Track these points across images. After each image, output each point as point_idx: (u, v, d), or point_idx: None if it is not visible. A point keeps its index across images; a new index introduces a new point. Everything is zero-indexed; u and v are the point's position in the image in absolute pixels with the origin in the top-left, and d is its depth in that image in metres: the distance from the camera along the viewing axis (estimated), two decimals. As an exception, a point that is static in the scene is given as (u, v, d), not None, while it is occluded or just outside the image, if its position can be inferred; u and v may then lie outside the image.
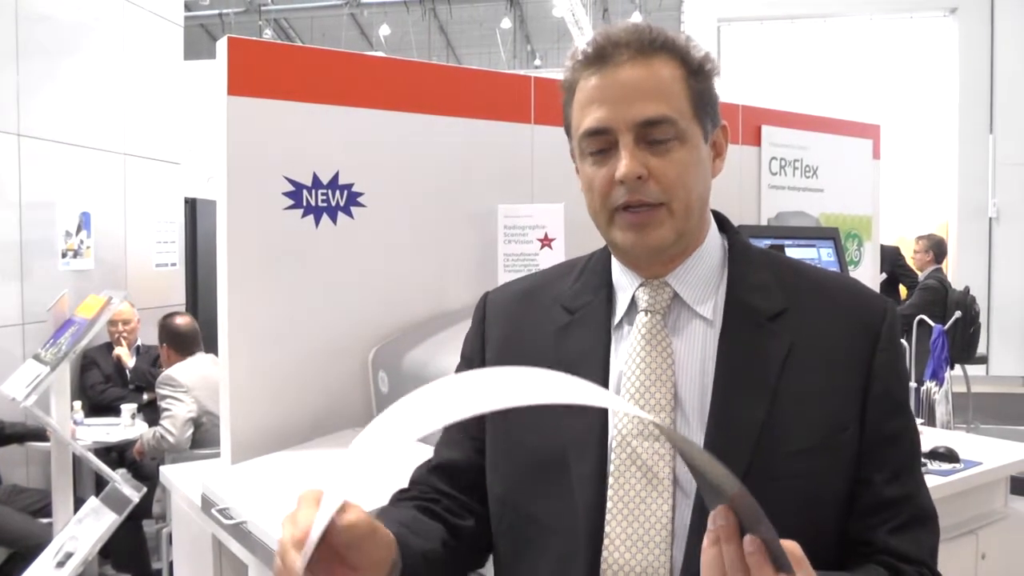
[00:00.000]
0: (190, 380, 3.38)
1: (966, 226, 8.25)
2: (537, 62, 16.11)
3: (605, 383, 0.90)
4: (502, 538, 0.96)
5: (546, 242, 2.07)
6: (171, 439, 3.27)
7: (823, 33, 9.24)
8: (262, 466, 1.74)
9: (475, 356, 1.01)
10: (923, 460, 2.00)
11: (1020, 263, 7.85)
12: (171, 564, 2.61)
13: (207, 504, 1.64)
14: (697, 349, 0.90)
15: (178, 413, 3.31)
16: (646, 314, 0.91)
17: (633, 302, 0.93)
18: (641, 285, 0.93)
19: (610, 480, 0.87)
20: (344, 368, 1.94)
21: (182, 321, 3.72)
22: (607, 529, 0.86)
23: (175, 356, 3.61)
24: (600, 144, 0.89)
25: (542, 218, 2.07)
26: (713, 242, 0.94)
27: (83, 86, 4.70)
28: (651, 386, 0.89)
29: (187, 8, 7.24)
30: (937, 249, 6.27)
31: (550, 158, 2.25)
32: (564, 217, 2.06)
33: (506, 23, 14.02)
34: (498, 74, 2.42)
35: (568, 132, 0.95)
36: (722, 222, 0.98)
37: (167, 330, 3.71)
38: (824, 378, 0.86)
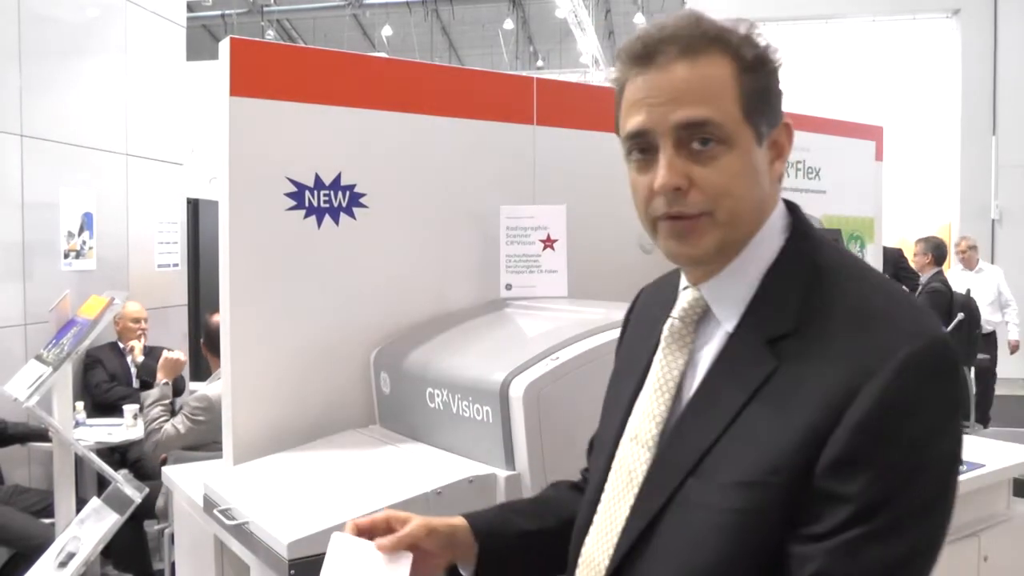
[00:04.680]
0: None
1: (968, 228, 8.24)
2: (539, 63, 16.12)
3: (641, 385, 0.92)
4: None
5: (548, 243, 2.07)
6: (181, 430, 3.16)
7: (825, 35, 9.24)
8: (264, 467, 1.74)
9: (618, 344, 1.09)
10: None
11: (1022, 265, 7.84)
12: (173, 565, 2.61)
13: (209, 505, 1.65)
14: (709, 361, 0.86)
15: (192, 429, 3.16)
16: (676, 320, 0.89)
17: None
18: (685, 289, 0.90)
19: (609, 476, 0.91)
20: (346, 369, 1.94)
21: (217, 321, 3.55)
22: (595, 520, 0.91)
23: (214, 359, 3.30)
24: (642, 147, 0.84)
25: (544, 219, 2.07)
26: (764, 247, 0.85)
27: (86, 87, 4.71)
28: (653, 393, 0.88)
29: (189, 9, 7.24)
30: (937, 252, 6.27)
31: (552, 159, 2.25)
32: (566, 218, 2.06)
33: (508, 24, 14.03)
34: (500, 75, 2.42)
35: (618, 134, 0.90)
36: (794, 219, 0.89)
37: (207, 330, 3.38)
38: (790, 412, 0.76)
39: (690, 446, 0.81)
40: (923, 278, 6.28)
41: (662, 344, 0.89)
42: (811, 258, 0.84)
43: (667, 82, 0.82)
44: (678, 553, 0.79)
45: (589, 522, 0.92)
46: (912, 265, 6.51)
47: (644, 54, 0.84)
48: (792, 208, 0.89)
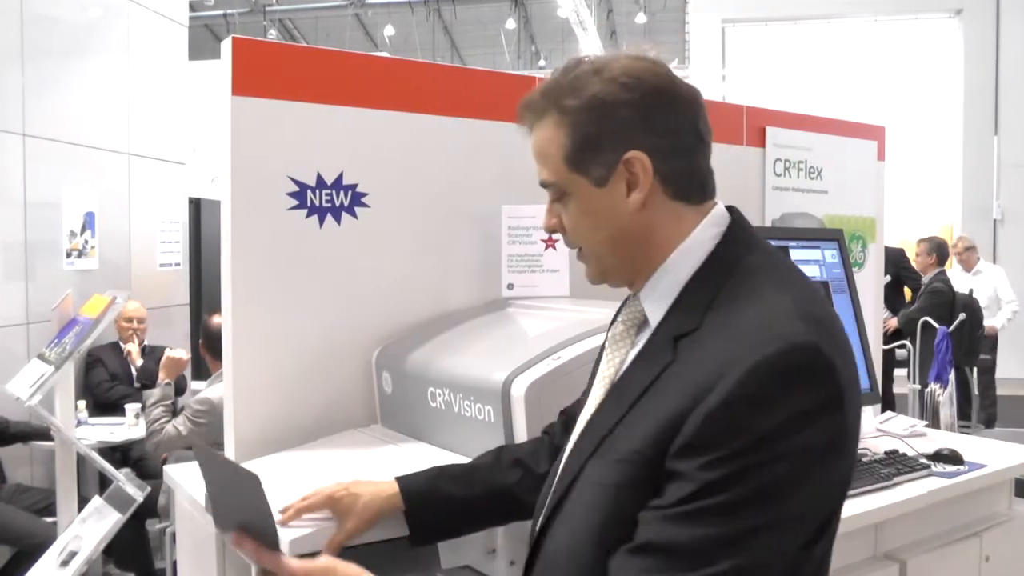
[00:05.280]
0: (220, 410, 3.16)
1: (970, 228, 8.23)
2: (541, 63, 16.11)
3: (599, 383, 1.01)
4: None
5: (550, 243, 2.07)
6: (183, 431, 3.17)
7: (827, 34, 9.23)
8: (265, 466, 1.75)
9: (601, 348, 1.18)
10: (911, 465, 2.00)
11: (1024, 265, 7.83)
12: (175, 563, 2.61)
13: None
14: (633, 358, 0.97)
15: (194, 431, 3.16)
16: (620, 323, 1.00)
17: None
18: (631, 296, 1.01)
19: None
20: (347, 368, 1.94)
21: (218, 322, 3.43)
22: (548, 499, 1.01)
23: (213, 361, 3.33)
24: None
25: (546, 219, 2.07)
26: (691, 255, 0.93)
27: (88, 86, 4.72)
28: (597, 387, 0.99)
29: (192, 8, 7.25)
30: (939, 252, 6.26)
31: (554, 159, 2.25)
32: (568, 218, 2.06)
33: (510, 24, 14.03)
34: (502, 75, 2.42)
35: None
36: (729, 226, 0.95)
37: (206, 332, 3.39)
38: (664, 401, 0.84)
39: (595, 433, 0.92)
40: (925, 278, 6.28)
41: (607, 345, 1.01)
42: (732, 262, 0.92)
43: (532, 147, 0.99)
44: (571, 523, 0.91)
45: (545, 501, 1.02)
46: (914, 265, 6.51)
47: (520, 120, 1.00)
48: (734, 216, 0.97)
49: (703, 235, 0.94)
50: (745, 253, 0.93)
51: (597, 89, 0.92)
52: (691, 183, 0.95)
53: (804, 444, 0.78)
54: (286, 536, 1.34)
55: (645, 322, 0.97)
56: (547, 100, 0.96)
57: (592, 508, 0.87)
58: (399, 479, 1.28)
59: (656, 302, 0.94)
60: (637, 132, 0.92)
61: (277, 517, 1.21)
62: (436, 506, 1.26)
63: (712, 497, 0.77)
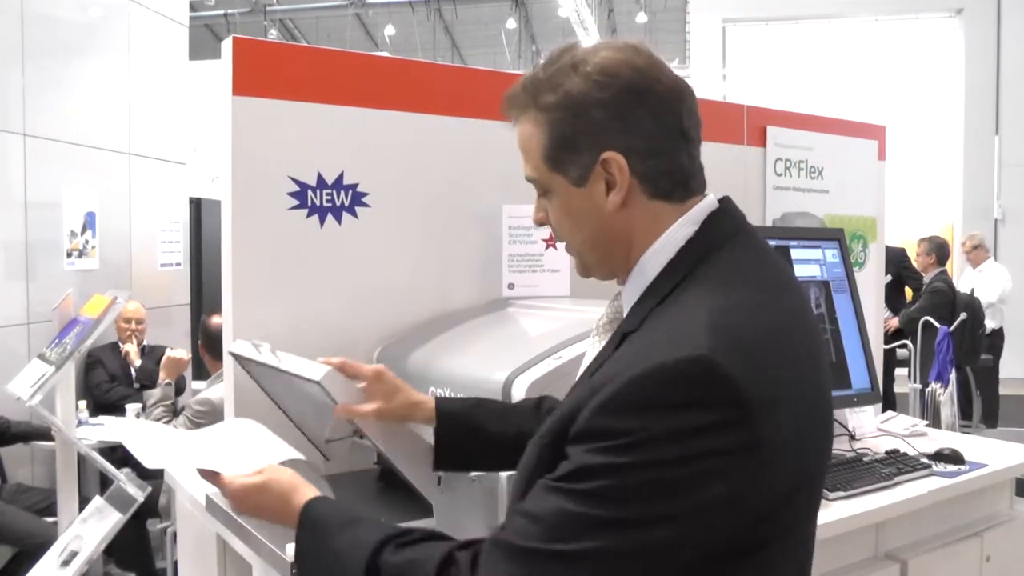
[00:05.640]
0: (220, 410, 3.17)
1: (971, 228, 8.22)
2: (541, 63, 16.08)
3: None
4: None
5: (550, 243, 2.07)
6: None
7: (828, 34, 9.23)
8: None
9: None
10: (912, 464, 2.00)
11: (1025, 265, 7.82)
12: (175, 563, 2.61)
13: (211, 503, 1.65)
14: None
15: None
16: (604, 317, 1.04)
17: None
18: (618, 292, 1.03)
19: None
20: (348, 368, 1.94)
21: (217, 322, 3.27)
22: None
23: (212, 362, 3.34)
24: None
25: (546, 219, 2.07)
26: (661, 255, 0.93)
27: (89, 86, 4.72)
28: (582, 374, 1.02)
29: (192, 8, 7.25)
30: (939, 252, 6.26)
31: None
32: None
33: (511, 23, 14.02)
34: (503, 74, 2.41)
35: None
36: (701, 228, 0.94)
37: (205, 332, 3.39)
38: (579, 392, 0.87)
39: (555, 415, 0.92)
40: (926, 278, 6.27)
41: (592, 336, 1.05)
42: (693, 263, 0.92)
43: (517, 141, 0.99)
44: (512, 493, 0.94)
45: None
46: (915, 265, 6.50)
47: (504, 114, 0.99)
48: (717, 211, 0.95)
49: (676, 234, 0.93)
50: (711, 252, 0.92)
51: (572, 86, 0.91)
52: (672, 181, 0.94)
53: (690, 455, 0.77)
54: (287, 537, 1.34)
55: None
56: (527, 95, 0.95)
57: (515, 482, 0.92)
58: (439, 398, 1.31)
59: (628, 299, 0.96)
60: (612, 132, 0.91)
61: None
62: (465, 433, 1.27)
63: (583, 481, 0.79)
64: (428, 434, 1.31)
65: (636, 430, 0.78)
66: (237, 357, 1.59)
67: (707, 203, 0.96)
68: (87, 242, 4.61)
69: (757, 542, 0.84)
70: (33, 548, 3.09)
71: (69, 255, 4.51)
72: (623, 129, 0.90)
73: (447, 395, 1.67)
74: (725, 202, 0.97)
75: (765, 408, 0.80)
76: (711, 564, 0.82)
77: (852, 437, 2.24)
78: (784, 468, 0.83)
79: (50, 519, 3.31)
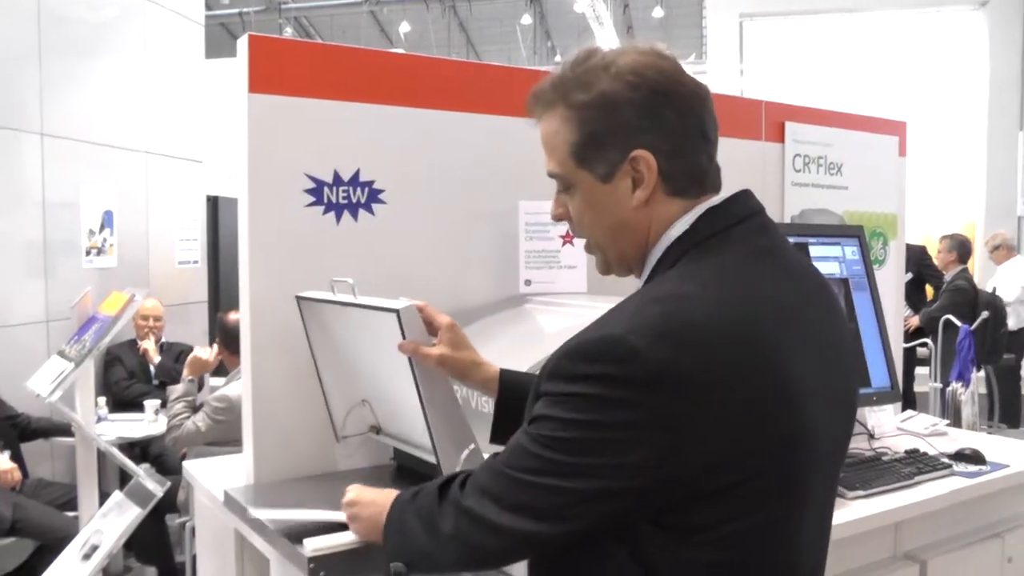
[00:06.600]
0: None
1: (994, 225, 8.11)
2: (557, 58, 16.06)
3: None
4: None
5: (567, 239, 2.06)
6: (202, 428, 3.20)
7: (848, 28, 9.12)
8: (284, 462, 1.75)
9: None
10: (933, 464, 1.98)
11: (1048, 262, 7.70)
12: (194, 557, 2.63)
13: (229, 498, 1.65)
14: None
15: (212, 428, 3.18)
16: None
17: None
18: None
19: None
20: (364, 365, 1.94)
21: (234, 319, 3.33)
22: None
23: (230, 358, 3.38)
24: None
25: (562, 215, 2.05)
26: (658, 250, 1.00)
27: (105, 85, 4.75)
28: None
29: (208, 7, 7.29)
30: (961, 249, 6.18)
31: (571, 155, 2.23)
32: (585, 214, 2.05)
33: (526, 19, 14.00)
34: (519, 70, 2.40)
35: None
36: (691, 228, 0.98)
37: (223, 328, 3.42)
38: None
39: None
40: (947, 276, 6.20)
41: None
42: (672, 259, 0.98)
43: (540, 137, 1.03)
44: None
45: None
46: (936, 262, 6.43)
47: (529, 111, 1.03)
48: (718, 207, 0.99)
49: (674, 232, 0.98)
50: (692, 247, 0.97)
51: (605, 86, 0.95)
52: (690, 180, 0.98)
53: (606, 422, 0.87)
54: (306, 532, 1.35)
55: None
56: (556, 93, 0.98)
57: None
58: (503, 369, 1.37)
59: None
60: (643, 131, 0.95)
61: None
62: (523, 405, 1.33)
63: (532, 424, 0.94)
64: (489, 406, 1.36)
65: (564, 394, 0.90)
66: (302, 301, 1.65)
67: (709, 203, 0.99)
68: (105, 240, 4.65)
69: (702, 509, 0.89)
70: (54, 542, 3.12)
71: (87, 253, 4.56)
72: (651, 128, 0.95)
73: (463, 393, 1.67)
74: (737, 196, 1.01)
75: (681, 387, 0.85)
76: (661, 530, 0.90)
77: (871, 436, 2.22)
78: (715, 442, 0.87)
79: (71, 513, 3.34)
